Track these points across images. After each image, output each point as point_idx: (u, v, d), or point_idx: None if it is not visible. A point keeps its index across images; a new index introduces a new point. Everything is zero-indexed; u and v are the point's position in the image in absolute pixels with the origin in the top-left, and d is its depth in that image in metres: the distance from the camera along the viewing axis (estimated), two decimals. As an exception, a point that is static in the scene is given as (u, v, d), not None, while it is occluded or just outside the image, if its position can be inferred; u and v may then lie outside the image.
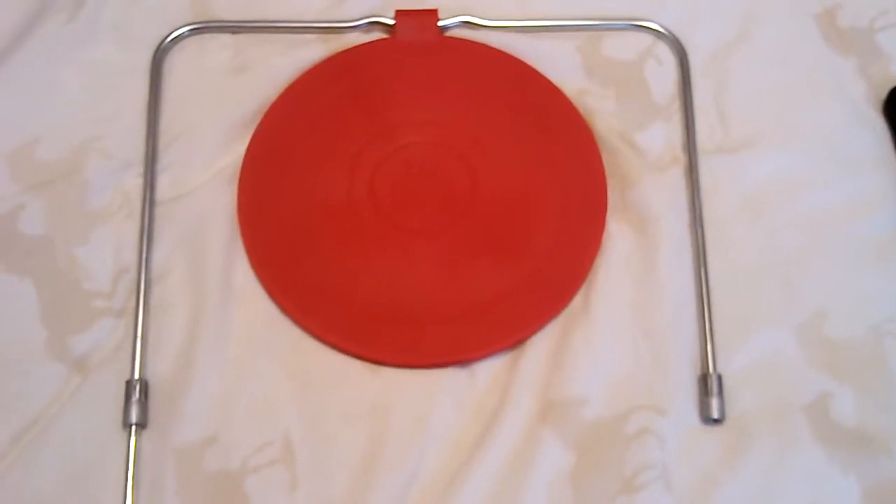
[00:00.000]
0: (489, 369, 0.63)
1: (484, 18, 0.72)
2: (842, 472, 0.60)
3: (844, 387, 0.62)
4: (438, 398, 0.62)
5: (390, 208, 0.66)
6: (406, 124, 0.69)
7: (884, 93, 0.70)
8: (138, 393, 0.60)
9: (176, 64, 0.70)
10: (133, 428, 0.60)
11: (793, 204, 0.67)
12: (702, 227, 0.66)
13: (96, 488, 0.59)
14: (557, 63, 0.71)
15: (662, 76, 0.71)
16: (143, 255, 0.64)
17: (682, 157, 0.69)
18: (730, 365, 0.63)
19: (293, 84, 0.70)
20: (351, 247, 0.65)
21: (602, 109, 0.70)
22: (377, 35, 0.72)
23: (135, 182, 0.67)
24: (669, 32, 0.72)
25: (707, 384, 0.62)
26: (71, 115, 0.69)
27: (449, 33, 0.72)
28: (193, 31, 0.71)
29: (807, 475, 0.60)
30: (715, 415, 0.61)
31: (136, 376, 0.61)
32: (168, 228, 0.66)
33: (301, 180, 0.67)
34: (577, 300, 0.65)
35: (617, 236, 0.66)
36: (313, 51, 0.71)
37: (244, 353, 0.63)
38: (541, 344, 0.63)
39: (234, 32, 0.72)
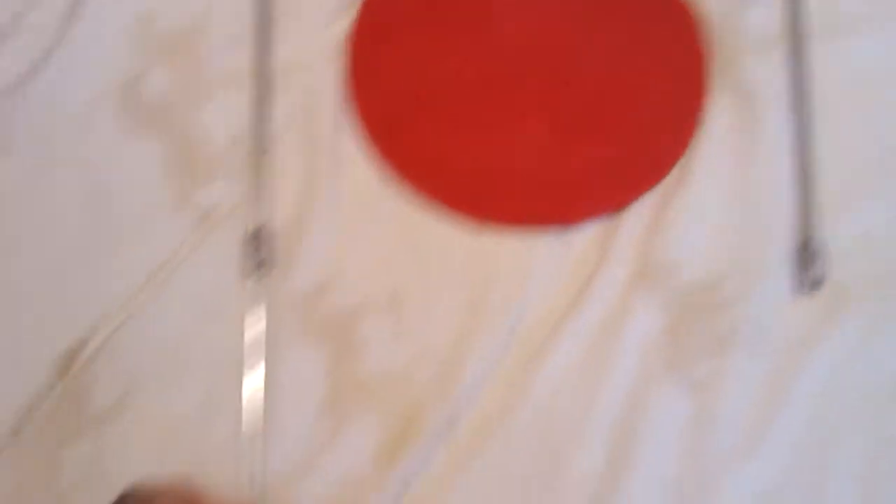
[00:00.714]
0: (586, 236, 0.65)
1: None
2: (939, 343, 0.61)
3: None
4: (537, 262, 0.64)
5: (496, 83, 0.68)
6: (511, 7, 0.70)
7: None
8: (259, 241, 0.64)
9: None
10: (254, 273, 0.64)
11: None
12: (806, 102, 0.66)
13: (220, 328, 0.63)
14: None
15: (768, -45, 0.71)
16: (257, 121, 0.67)
17: (786, 37, 0.68)
18: (828, 235, 0.63)
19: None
20: (458, 118, 0.67)
21: (705, -12, 0.70)
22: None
23: (247, 54, 0.69)
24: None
25: (806, 251, 0.62)
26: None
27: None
28: None
29: (902, 344, 0.61)
30: (812, 281, 0.62)
31: (257, 226, 0.65)
32: (280, 97, 0.68)
33: (408, 53, 0.69)
34: (675, 172, 0.66)
35: (718, 113, 0.67)
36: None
37: (354, 211, 0.66)
38: (638, 212, 0.65)
39: None
